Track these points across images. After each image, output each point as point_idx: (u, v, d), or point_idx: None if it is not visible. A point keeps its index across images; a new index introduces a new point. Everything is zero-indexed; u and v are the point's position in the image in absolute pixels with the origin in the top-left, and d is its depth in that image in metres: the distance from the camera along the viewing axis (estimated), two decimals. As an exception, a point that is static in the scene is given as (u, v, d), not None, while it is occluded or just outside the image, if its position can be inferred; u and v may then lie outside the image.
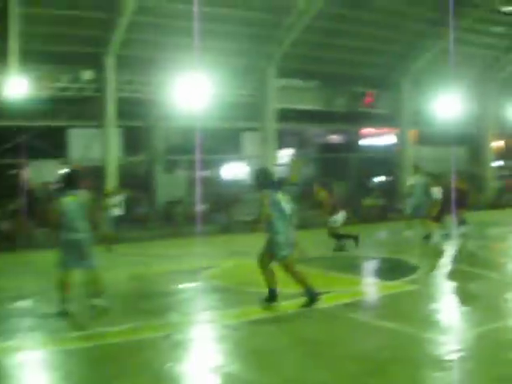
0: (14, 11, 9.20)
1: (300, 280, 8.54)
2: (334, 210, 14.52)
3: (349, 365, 5.93)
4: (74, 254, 8.63)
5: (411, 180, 17.00)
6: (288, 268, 8.52)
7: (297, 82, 24.91)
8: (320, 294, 8.43)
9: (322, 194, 14.61)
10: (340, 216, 14.64)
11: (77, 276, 8.77)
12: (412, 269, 11.70)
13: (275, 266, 8.62)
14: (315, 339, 7.03)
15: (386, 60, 25.70)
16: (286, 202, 8.69)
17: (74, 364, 6.57)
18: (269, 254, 8.59)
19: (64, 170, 25.74)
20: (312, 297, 8.38)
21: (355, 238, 14.69)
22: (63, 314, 8.52)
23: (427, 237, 15.69)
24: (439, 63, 25.33)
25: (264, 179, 8.93)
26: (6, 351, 7.05)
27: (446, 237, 16.10)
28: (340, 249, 14.65)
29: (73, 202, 8.66)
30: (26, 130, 21.97)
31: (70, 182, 9.11)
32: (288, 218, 8.62)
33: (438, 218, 16.05)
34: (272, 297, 8.54)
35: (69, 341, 7.41)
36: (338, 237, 14.72)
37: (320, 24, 21.50)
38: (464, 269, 12.26)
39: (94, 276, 8.68)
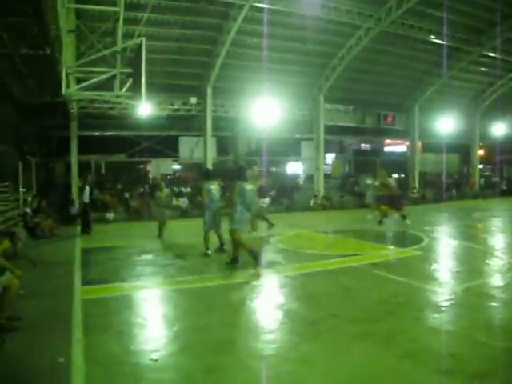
0: (144, 56, 9.34)
1: (245, 248, 8.11)
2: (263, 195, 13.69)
3: (372, 306, 6.01)
4: (213, 219, 9.63)
5: (369, 180, 16.47)
6: (235, 238, 8.17)
7: (338, 106, 24.62)
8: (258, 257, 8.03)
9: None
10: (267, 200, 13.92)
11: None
12: (418, 240, 11.36)
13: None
14: (350, 287, 6.97)
15: (402, 91, 25.36)
16: (249, 191, 8.23)
17: (181, 299, 6.62)
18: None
19: (176, 165, 26.39)
20: (255, 257, 7.96)
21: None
22: (207, 255, 9.49)
23: (404, 217, 14.53)
24: (440, 93, 25.46)
25: (239, 173, 8.45)
26: (134, 289, 7.17)
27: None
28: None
29: (216, 188, 9.71)
30: (150, 137, 22.44)
31: (209, 175, 10.09)
32: (247, 202, 8.14)
33: (398, 206, 14.97)
34: (234, 260, 8.43)
35: (178, 283, 7.45)
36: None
37: (354, 65, 21.13)
38: (455, 241, 11.98)
39: (220, 233, 9.89)
